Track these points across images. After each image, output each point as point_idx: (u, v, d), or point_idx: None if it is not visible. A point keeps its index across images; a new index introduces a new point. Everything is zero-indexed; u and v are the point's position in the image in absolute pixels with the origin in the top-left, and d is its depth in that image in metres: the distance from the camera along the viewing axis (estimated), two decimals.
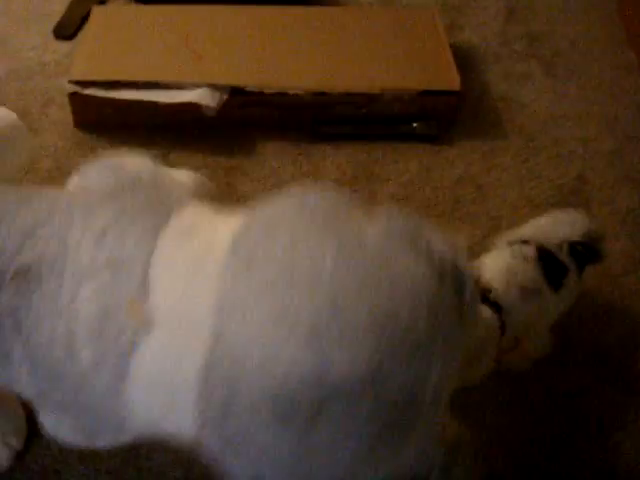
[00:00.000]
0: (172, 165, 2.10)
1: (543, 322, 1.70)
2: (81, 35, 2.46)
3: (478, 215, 2.07)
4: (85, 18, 2.42)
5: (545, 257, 1.61)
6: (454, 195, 2.12)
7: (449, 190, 2.13)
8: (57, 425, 1.14)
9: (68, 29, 2.48)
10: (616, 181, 2.24)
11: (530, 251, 1.61)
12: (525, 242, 1.63)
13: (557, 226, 1.67)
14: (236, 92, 2.13)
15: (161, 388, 1.05)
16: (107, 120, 2.17)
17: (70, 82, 2.10)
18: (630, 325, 1.92)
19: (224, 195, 2.08)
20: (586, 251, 1.66)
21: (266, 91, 2.13)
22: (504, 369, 1.79)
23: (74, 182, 1.29)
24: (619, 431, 1.76)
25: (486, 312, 1.50)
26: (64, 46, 2.46)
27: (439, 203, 2.10)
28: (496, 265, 1.60)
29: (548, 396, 1.79)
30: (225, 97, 2.12)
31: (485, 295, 1.52)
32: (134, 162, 1.31)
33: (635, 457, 1.72)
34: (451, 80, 2.21)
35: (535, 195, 2.12)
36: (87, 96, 2.10)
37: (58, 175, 2.06)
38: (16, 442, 1.53)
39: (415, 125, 2.21)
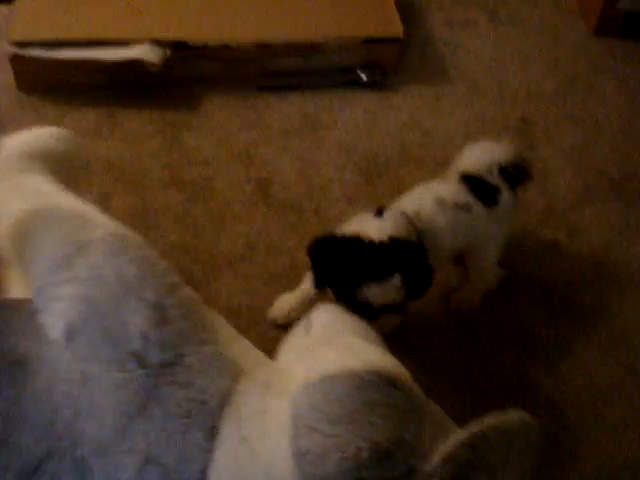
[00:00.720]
0: (119, 124, 2.09)
1: (486, 250, 1.76)
2: None
3: (425, 159, 2.10)
4: None
5: (471, 180, 1.70)
6: (401, 140, 2.13)
7: (395, 136, 2.15)
8: None
9: None
10: (559, 121, 2.27)
11: (452, 177, 1.73)
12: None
13: (486, 153, 1.75)
14: (179, 47, 2.12)
15: None
16: (50, 81, 2.14)
17: (10, 44, 2.06)
18: (575, 259, 1.97)
19: (172, 149, 2.07)
20: (515, 172, 1.73)
21: (209, 44, 2.12)
22: (454, 307, 1.83)
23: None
24: (568, 361, 1.81)
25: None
26: (3, 9, 2.41)
27: (386, 148, 2.11)
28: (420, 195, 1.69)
29: (498, 331, 1.83)
30: (168, 52, 2.10)
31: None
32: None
33: (583, 384, 1.77)
34: (394, 27, 2.23)
35: (481, 137, 2.13)
36: (28, 58, 2.07)
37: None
38: None
39: (360, 73, 2.22)
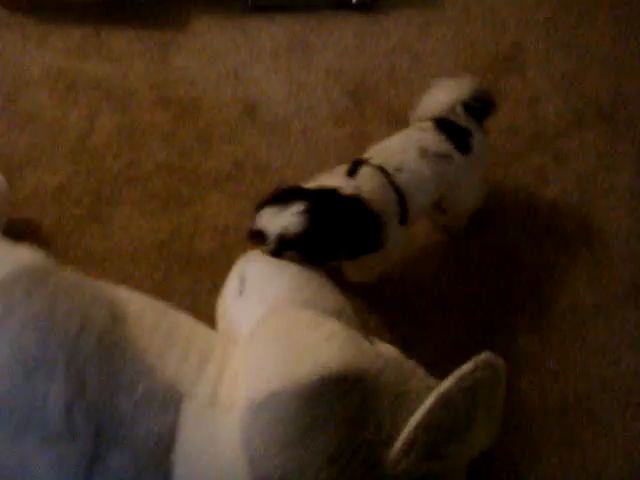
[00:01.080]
0: (105, 42, 2.06)
1: (466, 193, 1.75)
2: None
3: (413, 83, 2.08)
4: None
5: (445, 125, 1.66)
6: (390, 63, 2.12)
7: (385, 59, 2.13)
8: None
9: None
10: (551, 47, 2.25)
11: (425, 124, 1.68)
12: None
13: (446, 92, 1.72)
14: None
15: None
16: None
17: None
18: (561, 185, 1.97)
19: (159, 69, 2.05)
20: (479, 105, 1.71)
21: None
22: (441, 230, 1.83)
23: None
24: (551, 284, 1.83)
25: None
26: None
27: (375, 71, 2.10)
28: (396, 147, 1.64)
29: (484, 254, 1.84)
30: None
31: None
32: None
33: (566, 307, 1.80)
34: None
35: (471, 62, 2.13)
36: None
37: None
38: None
39: None
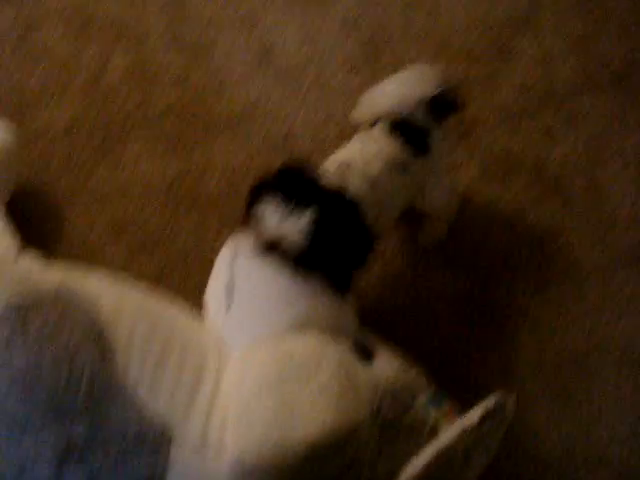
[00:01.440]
0: None
1: (437, 189, 1.65)
2: None
3: (429, 35, 2.08)
4: None
5: (401, 126, 1.53)
6: (405, 17, 2.11)
7: (400, 12, 2.12)
8: None
9: None
10: (569, 8, 2.23)
11: (377, 132, 1.54)
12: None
13: (410, 87, 1.58)
14: None
15: None
16: None
17: None
18: (570, 145, 1.97)
19: (175, 10, 2.03)
20: (444, 102, 1.58)
21: None
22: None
23: None
24: (555, 242, 1.85)
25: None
26: None
27: (390, 24, 2.09)
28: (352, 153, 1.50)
29: (488, 210, 1.86)
30: None
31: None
32: None
33: (569, 264, 1.82)
34: None
35: (487, 18, 2.12)
36: None
37: None
38: None
39: None
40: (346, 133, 1.85)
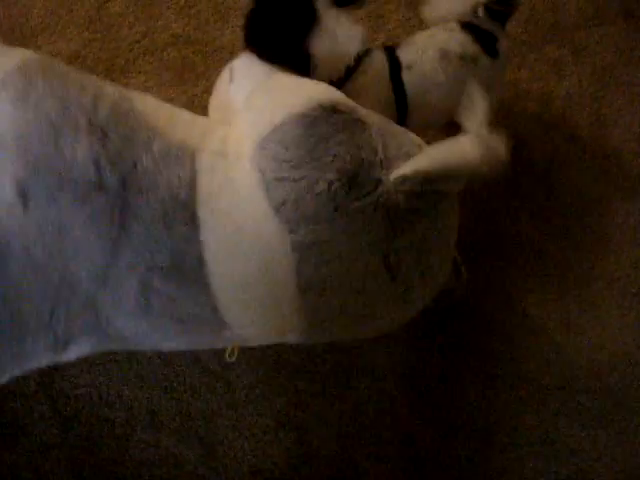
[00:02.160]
0: None
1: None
2: None
3: None
4: None
5: (470, 28, 1.55)
6: None
7: None
8: None
9: None
10: None
11: (452, 25, 1.56)
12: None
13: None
14: None
15: None
16: None
17: None
18: (577, 77, 1.96)
19: None
20: (502, 6, 1.57)
21: None
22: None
23: None
24: (560, 175, 1.85)
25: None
26: None
27: None
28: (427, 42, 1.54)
29: None
30: None
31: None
32: None
33: (573, 196, 1.83)
34: None
35: None
36: None
37: None
38: None
39: None
40: None
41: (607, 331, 1.70)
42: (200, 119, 1.33)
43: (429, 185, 1.21)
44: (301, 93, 1.23)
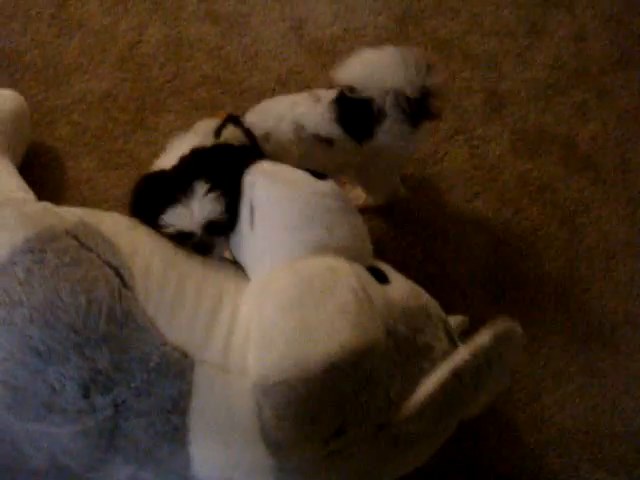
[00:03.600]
0: None
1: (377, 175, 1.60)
2: None
3: (460, 11, 2.08)
4: None
5: (348, 104, 1.44)
6: None
7: None
8: None
9: None
10: None
11: (327, 93, 1.47)
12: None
13: (385, 71, 1.45)
14: None
15: None
16: None
17: None
18: (602, 121, 1.98)
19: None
20: (417, 106, 1.43)
21: None
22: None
23: None
24: (583, 217, 1.85)
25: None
26: None
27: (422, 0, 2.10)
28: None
29: (519, 183, 1.87)
30: None
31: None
32: None
33: (597, 240, 1.83)
34: None
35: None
36: None
37: None
38: None
39: None
40: None
41: (631, 376, 1.69)
42: (209, 286, 1.23)
43: (437, 423, 1.19)
44: (320, 339, 1.12)
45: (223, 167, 1.29)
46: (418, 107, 1.43)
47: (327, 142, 1.43)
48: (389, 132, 1.45)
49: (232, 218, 1.29)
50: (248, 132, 1.40)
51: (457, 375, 1.12)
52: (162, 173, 1.31)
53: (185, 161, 1.29)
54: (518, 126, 1.92)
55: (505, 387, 1.26)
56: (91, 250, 1.15)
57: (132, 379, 1.10)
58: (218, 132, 1.38)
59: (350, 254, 1.26)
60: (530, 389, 1.65)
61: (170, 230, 1.26)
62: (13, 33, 1.99)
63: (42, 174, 1.54)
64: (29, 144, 1.77)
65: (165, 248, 1.26)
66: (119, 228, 1.24)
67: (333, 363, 1.09)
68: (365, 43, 1.99)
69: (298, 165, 1.35)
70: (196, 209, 1.25)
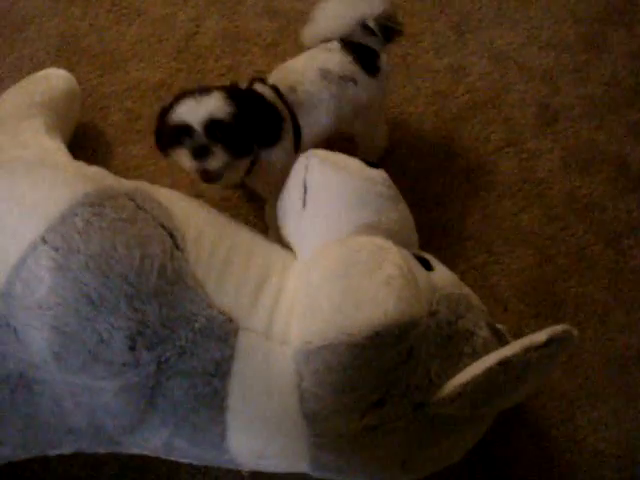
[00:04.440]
0: None
1: (374, 111, 1.68)
2: None
3: (519, 22, 2.06)
4: None
5: (350, 46, 1.58)
6: (498, 1, 2.09)
7: None
8: None
9: None
10: None
11: (333, 44, 1.58)
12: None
13: (353, 7, 1.59)
14: None
15: None
16: None
17: None
18: None
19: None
20: (389, 22, 1.60)
21: None
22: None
23: None
24: (631, 240, 1.83)
25: None
26: None
27: (482, 7, 2.08)
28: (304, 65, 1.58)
29: (567, 203, 1.85)
30: None
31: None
32: None
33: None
34: None
35: (580, 10, 2.10)
36: None
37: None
38: None
39: None
40: (431, 110, 1.87)
41: None
42: (257, 257, 1.27)
43: (473, 409, 1.19)
44: (365, 307, 1.12)
45: (248, 96, 1.41)
46: (388, 25, 1.59)
47: (353, 82, 1.54)
48: (384, 63, 1.60)
49: (239, 135, 1.36)
50: (274, 87, 1.48)
51: (504, 365, 1.11)
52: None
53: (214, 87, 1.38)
54: (570, 142, 1.89)
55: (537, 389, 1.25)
56: (147, 211, 1.18)
57: (177, 338, 1.12)
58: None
59: (397, 239, 1.28)
60: (564, 408, 1.64)
61: (175, 121, 1.33)
62: (72, 18, 2.01)
63: (91, 158, 1.54)
64: (77, 126, 1.79)
65: (217, 220, 1.30)
66: (174, 198, 1.28)
67: (377, 331, 1.09)
68: (421, 49, 1.98)
69: (331, 110, 1.53)
70: (203, 103, 1.32)
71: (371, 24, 1.56)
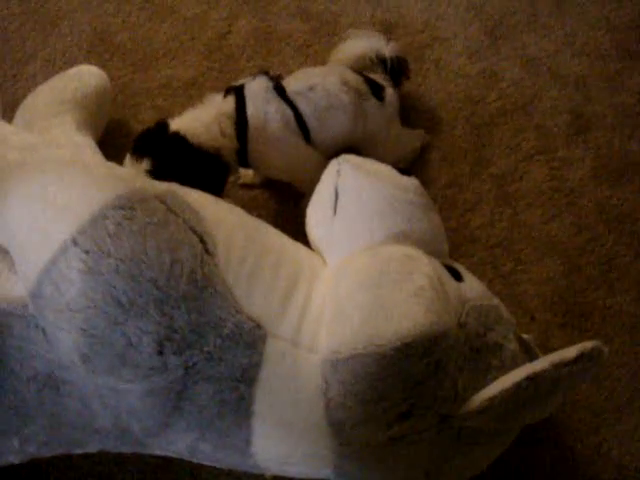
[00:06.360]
0: None
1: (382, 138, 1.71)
2: None
3: (553, 28, 2.04)
4: None
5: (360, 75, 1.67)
6: (532, 7, 2.08)
7: (528, 1, 2.09)
8: None
9: None
10: None
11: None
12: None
13: (368, 44, 1.74)
14: None
15: None
16: None
17: None
18: None
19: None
20: (398, 65, 1.75)
21: None
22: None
23: None
24: None
25: None
26: None
27: (516, 13, 2.06)
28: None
29: (598, 214, 1.83)
30: None
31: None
32: None
33: None
34: None
35: (615, 17, 2.08)
36: None
37: None
38: None
39: None
40: (462, 116, 1.86)
41: None
42: (286, 263, 1.27)
43: (500, 422, 1.19)
44: (394, 319, 1.12)
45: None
46: (398, 68, 1.74)
47: (363, 97, 1.63)
48: (389, 97, 1.69)
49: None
50: (278, 89, 1.56)
51: (533, 381, 1.11)
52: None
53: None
54: (602, 151, 1.88)
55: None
56: (178, 215, 1.18)
57: (205, 343, 1.12)
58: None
59: (428, 249, 1.28)
60: (589, 420, 1.62)
61: None
62: (105, 14, 2.02)
63: (121, 155, 1.55)
64: (108, 123, 1.80)
65: (247, 224, 1.30)
66: (205, 202, 1.28)
67: (406, 343, 1.09)
68: (453, 53, 1.98)
69: (350, 115, 1.58)
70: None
71: (378, 62, 1.72)
